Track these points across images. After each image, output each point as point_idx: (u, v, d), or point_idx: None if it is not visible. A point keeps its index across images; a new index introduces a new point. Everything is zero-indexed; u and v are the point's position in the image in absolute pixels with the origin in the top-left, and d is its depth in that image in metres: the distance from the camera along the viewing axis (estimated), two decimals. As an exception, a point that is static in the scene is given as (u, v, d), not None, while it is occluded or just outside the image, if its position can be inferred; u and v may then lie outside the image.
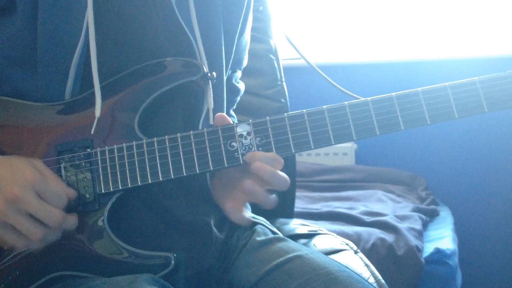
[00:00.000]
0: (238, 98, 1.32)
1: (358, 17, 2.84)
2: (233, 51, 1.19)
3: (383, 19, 2.82)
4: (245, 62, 1.30)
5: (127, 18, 1.06)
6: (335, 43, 2.88)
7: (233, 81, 1.27)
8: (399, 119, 0.98)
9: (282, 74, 1.65)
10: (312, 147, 0.99)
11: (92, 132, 1.01)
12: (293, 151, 0.99)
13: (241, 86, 1.31)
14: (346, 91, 1.26)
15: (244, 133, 0.99)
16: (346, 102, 0.99)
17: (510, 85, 0.97)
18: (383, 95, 0.99)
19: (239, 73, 1.30)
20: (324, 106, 0.99)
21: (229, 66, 1.20)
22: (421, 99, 0.98)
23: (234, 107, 1.32)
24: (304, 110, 0.99)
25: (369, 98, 0.99)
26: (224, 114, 1.02)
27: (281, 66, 1.65)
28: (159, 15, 1.07)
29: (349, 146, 2.85)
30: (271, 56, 1.63)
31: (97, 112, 1.00)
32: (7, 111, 1.04)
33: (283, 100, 1.62)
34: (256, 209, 1.30)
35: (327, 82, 1.35)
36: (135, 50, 1.05)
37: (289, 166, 1.61)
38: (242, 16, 1.20)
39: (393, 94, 0.98)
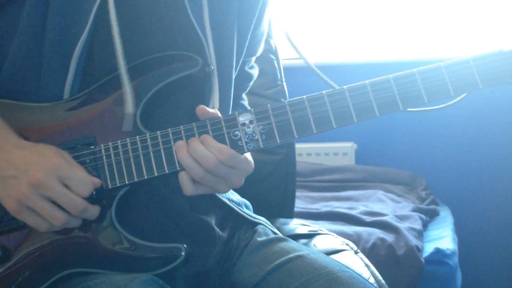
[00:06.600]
0: (251, 83, 1.32)
1: (359, 17, 2.84)
2: (246, 46, 1.19)
3: (384, 19, 2.82)
4: (260, 51, 1.29)
5: (139, 13, 1.06)
6: (335, 43, 2.87)
7: (246, 68, 1.26)
8: (397, 98, 0.99)
9: (282, 74, 1.65)
10: (314, 131, 1.00)
11: (124, 129, 1.01)
12: (296, 136, 1.00)
13: (255, 71, 1.31)
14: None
15: (247, 122, 1.00)
16: (345, 86, 1.00)
17: (501, 62, 1.00)
18: (381, 77, 1.00)
19: (253, 59, 1.29)
20: (324, 91, 1.00)
21: (240, 61, 1.19)
22: (418, 79, 1.00)
23: (246, 91, 1.32)
24: (304, 96, 1.01)
25: (367, 81, 1.00)
26: (204, 106, 1.02)
27: (281, 66, 1.65)
28: (171, 12, 1.07)
29: (349, 146, 2.85)
30: (271, 56, 1.63)
31: (129, 108, 1.00)
32: (9, 113, 1.04)
33: (283, 100, 1.61)
34: (256, 209, 1.30)
35: (327, 82, 1.35)
36: (145, 46, 1.05)
37: (289, 166, 1.61)
38: (259, 9, 1.19)
39: (390, 76, 1.00)
